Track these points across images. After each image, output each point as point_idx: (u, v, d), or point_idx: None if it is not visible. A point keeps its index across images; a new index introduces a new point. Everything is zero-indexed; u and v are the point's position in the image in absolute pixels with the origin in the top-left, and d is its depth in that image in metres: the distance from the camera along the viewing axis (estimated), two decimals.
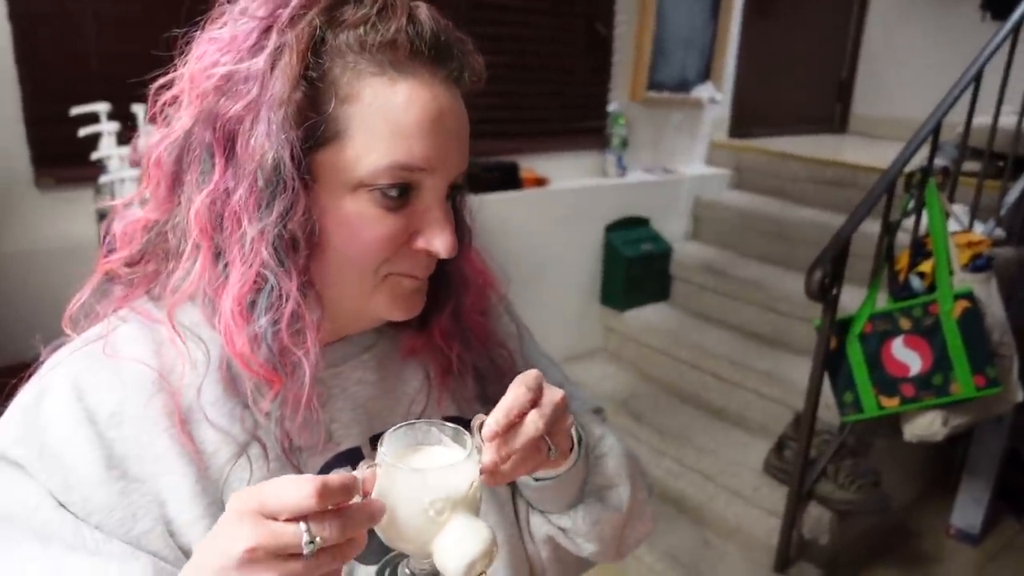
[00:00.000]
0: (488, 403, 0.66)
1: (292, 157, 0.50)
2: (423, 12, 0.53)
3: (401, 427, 0.51)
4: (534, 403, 0.53)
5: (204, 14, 0.55)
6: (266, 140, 0.50)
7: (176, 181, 0.55)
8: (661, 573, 2.11)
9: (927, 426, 1.92)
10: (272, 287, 0.52)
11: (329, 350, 0.61)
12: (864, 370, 1.90)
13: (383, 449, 0.49)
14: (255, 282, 0.52)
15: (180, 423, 0.52)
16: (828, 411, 2.07)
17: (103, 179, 1.65)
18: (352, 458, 0.60)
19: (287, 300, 0.52)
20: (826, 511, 2.04)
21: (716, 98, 3.29)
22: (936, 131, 1.93)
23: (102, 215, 1.71)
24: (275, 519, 0.41)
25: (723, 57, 3.30)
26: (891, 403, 1.89)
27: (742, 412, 2.53)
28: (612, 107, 2.96)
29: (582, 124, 2.93)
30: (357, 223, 0.53)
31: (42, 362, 0.56)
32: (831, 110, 4.19)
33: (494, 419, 0.51)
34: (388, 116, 0.51)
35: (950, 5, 3.69)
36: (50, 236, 1.80)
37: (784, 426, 2.22)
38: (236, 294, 0.52)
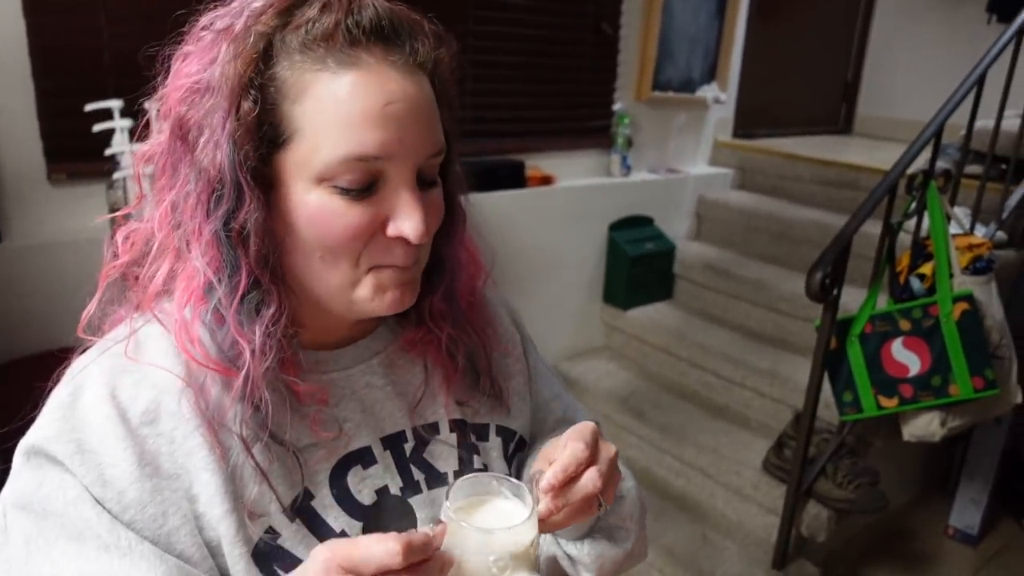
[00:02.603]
0: (479, 394, 0.69)
1: (237, 160, 0.51)
2: (367, 1, 0.54)
3: (465, 479, 0.54)
4: (591, 459, 0.55)
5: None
6: (212, 145, 0.52)
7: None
8: (660, 569, 2.13)
9: (925, 426, 1.93)
10: (217, 283, 0.53)
11: (340, 354, 0.64)
12: (864, 370, 1.92)
13: (448, 504, 0.51)
14: (204, 279, 0.54)
15: (207, 422, 0.54)
16: (828, 410, 2.09)
17: (116, 175, 1.68)
18: (362, 458, 0.62)
19: (235, 294, 0.53)
20: (824, 509, 2.06)
21: (721, 98, 3.30)
22: (939, 133, 1.95)
23: (114, 211, 1.73)
24: (359, 574, 0.44)
25: (728, 57, 3.31)
26: (890, 403, 1.91)
27: (743, 411, 2.55)
28: (617, 107, 2.97)
29: (587, 123, 2.95)
30: (325, 216, 0.53)
31: (69, 363, 0.58)
32: (836, 111, 4.20)
33: (552, 473, 0.53)
34: (336, 109, 0.52)
35: (956, 7, 3.68)
36: (62, 230, 1.83)
37: (784, 425, 2.23)
38: (186, 289, 0.55)
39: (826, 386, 1.97)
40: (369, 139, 0.52)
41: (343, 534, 0.58)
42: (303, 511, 0.57)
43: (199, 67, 0.53)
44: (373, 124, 0.52)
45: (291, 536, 0.56)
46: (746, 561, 2.15)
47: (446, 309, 0.66)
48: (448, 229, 0.63)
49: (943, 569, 2.39)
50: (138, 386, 0.54)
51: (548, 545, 0.68)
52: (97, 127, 1.64)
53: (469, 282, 0.69)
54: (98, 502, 0.51)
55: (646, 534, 0.73)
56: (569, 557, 0.67)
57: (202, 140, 0.53)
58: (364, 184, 0.53)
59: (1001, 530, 2.55)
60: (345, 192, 0.53)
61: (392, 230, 0.55)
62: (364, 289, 0.57)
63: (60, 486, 0.51)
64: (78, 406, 0.54)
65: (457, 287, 0.67)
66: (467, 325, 0.69)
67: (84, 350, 0.58)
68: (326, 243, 0.54)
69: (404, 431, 0.65)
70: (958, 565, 2.40)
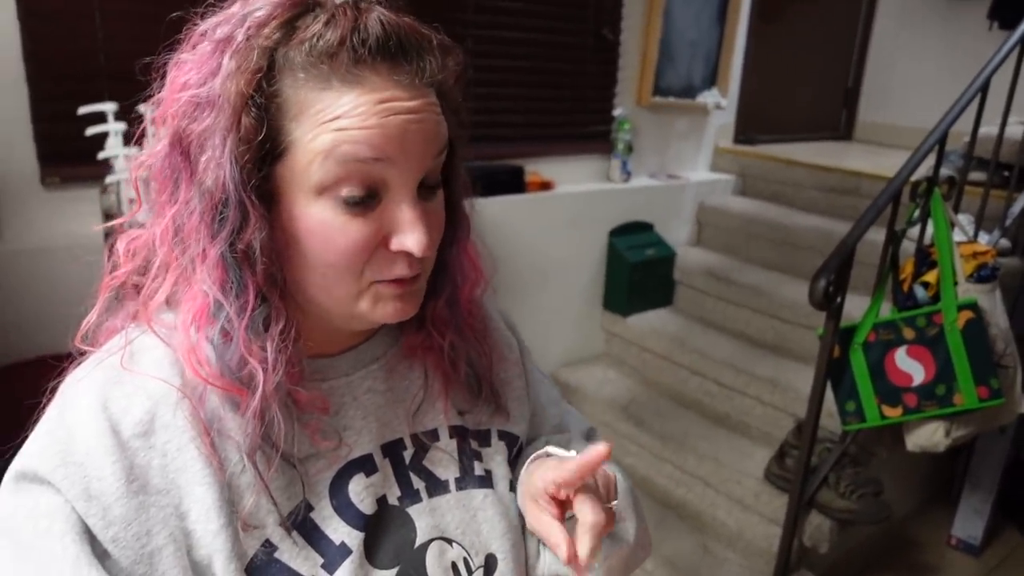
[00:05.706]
0: (480, 402, 0.69)
1: (240, 180, 0.51)
2: (374, 16, 0.52)
3: None
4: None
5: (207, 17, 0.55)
6: (215, 164, 0.51)
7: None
8: None
9: (929, 436, 1.91)
10: (224, 304, 0.53)
11: (340, 360, 0.63)
12: (867, 379, 1.89)
13: None
14: (208, 298, 0.53)
15: (205, 433, 0.53)
16: (830, 419, 2.07)
17: (109, 178, 1.66)
18: (364, 465, 0.61)
19: (243, 314, 0.53)
20: (826, 519, 2.04)
21: (721, 104, 3.28)
22: (942, 140, 1.93)
23: (108, 215, 1.71)
24: None
25: (729, 63, 3.30)
26: (894, 413, 1.89)
27: (744, 419, 2.52)
28: (618, 112, 2.96)
29: (588, 129, 2.94)
30: (326, 230, 0.53)
31: (62, 379, 0.56)
32: (837, 117, 4.19)
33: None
34: (336, 121, 0.51)
35: (958, 14, 3.68)
36: (55, 235, 1.81)
37: (786, 434, 2.21)
38: (191, 309, 0.53)
39: (828, 395, 1.95)
40: (368, 142, 0.51)
41: (343, 546, 0.57)
42: (302, 523, 0.56)
43: (198, 79, 0.52)
44: (372, 128, 0.51)
45: (288, 549, 0.55)
46: (747, 572, 2.13)
47: (448, 316, 0.66)
48: (453, 235, 0.63)
49: None
50: (131, 397, 0.53)
51: (552, 563, 0.67)
52: (91, 130, 1.62)
53: (471, 289, 0.68)
54: (81, 519, 0.49)
55: (647, 525, 0.72)
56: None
57: (203, 158, 0.52)
58: (364, 192, 0.52)
59: (1004, 540, 2.52)
60: (346, 204, 0.52)
61: (395, 244, 0.54)
62: (366, 302, 0.56)
63: (32, 514, 0.49)
64: (66, 419, 0.52)
65: (460, 294, 0.67)
66: (468, 332, 0.68)
67: (78, 363, 0.57)
68: (328, 259, 0.53)
69: (402, 438, 0.64)
70: (960, 575, 2.38)
